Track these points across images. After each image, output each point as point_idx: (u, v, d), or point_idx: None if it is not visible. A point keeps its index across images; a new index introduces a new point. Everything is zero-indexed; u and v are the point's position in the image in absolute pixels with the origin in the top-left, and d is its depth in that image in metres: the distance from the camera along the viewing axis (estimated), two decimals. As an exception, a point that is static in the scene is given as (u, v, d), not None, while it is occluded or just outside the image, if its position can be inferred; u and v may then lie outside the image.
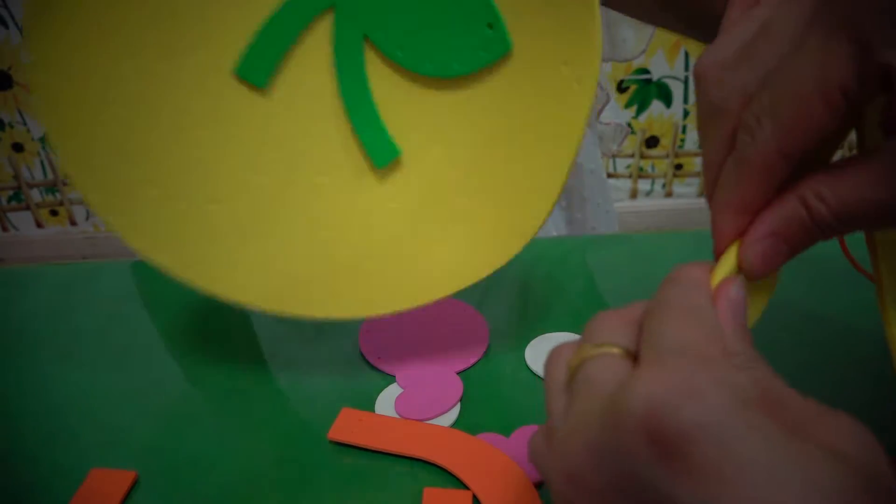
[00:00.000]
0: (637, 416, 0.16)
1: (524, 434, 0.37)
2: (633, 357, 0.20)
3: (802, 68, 0.19)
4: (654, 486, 0.16)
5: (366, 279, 0.36)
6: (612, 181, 1.81)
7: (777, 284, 0.24)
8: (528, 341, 0.44)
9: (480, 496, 0.33)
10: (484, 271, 0.36)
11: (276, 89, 0.33)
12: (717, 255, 0.23)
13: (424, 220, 0.36)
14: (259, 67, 0.33)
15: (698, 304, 0.20)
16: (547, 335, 0.44)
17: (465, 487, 0.34)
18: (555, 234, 0.68)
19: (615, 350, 0.20)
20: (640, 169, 1.79)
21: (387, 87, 0.33)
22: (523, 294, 0.50)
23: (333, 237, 0.36)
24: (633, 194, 1.83)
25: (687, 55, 1.73)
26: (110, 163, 0.34)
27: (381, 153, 0.33)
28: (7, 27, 1.62)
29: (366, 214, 0.35)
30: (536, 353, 0.43)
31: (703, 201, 0.26)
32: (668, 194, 1.81)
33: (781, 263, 0.22)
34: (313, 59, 0.33)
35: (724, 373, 0.17)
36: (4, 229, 1.91)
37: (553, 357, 0.23)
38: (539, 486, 0.34)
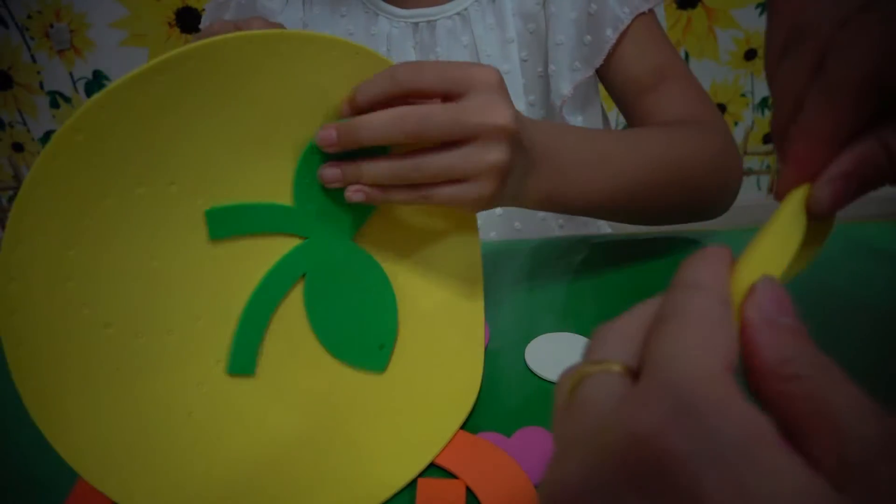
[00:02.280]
0: (620, 440, 0.15)
1: (525, 435, 0.37)
2: (634, 373, 0.18)
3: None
4: None
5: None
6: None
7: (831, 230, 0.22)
8: (528, 341, 0.44)
9: (479, 493, 0.33)
10: None
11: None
12: (789, 187, 0.22)
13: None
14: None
15: (704, 309, 0.18)
16: (547, 335, 0.44)
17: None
18: (558, 233, 0.68)
19: (615, 367, 0.18)
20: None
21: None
22: (523, 294, 0.50)
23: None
24: (633, 194, 1.84)
25: (687, 55, 1.73)
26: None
27: (240, 360, 0.35)
28: (7, 27, 1.62)
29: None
30: (536, 353, 0.43)
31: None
32: (669, 194, 1.82)
33: (848, 204, 0.21)
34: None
35: (720, 392, 0.15)
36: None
37: (561, 377, 0.21)
38: (538, 486, 0.34)
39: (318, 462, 0.35)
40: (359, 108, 0.35)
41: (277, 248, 0.36)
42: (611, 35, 0.57)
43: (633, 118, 0.59)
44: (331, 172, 0.36)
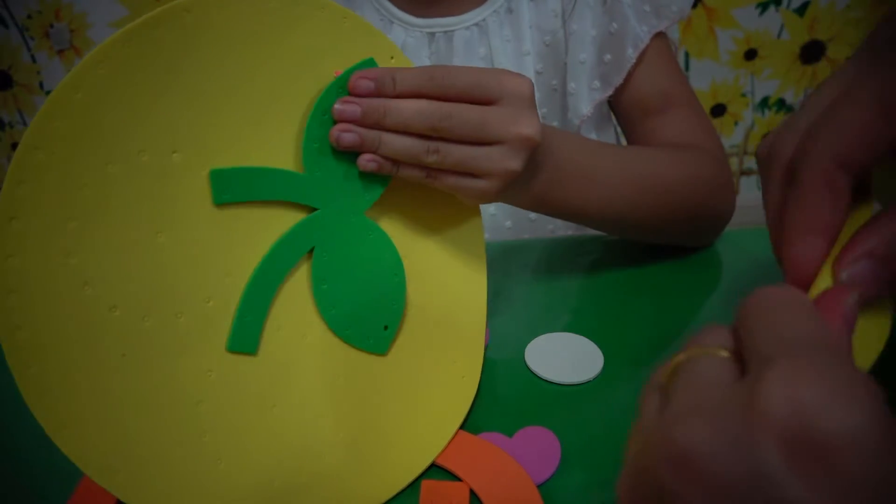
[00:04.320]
0: (778, 416, 0.15)
1: (526, 435, 0.37)
2: (741, 362, 0.19)
3: (857, 93, 0.20)
4: (781, 489, 0.15)
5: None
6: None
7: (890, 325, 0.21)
8: (528, 341, 0.44)
9: (482, 496, 0.33)
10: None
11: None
12: (795, 283, 0.22)
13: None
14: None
15: (803, 300, 0.19)
16: (547, 335, 0.44)
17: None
18: (549, 233, 0.68)
19: (723, 352, 0.19)
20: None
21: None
22: (523, 294, 0.50)
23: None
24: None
25: (687, 55, 1.73)
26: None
27: (241, 337, 0.34)
28: (7, 27, 1.62)
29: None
30: (536, 353, 0.43)
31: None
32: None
33: (880, 288, 0.21)
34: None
35: (863, 375, 0.16)
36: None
37: (660, 368, 0.21)
38: (540, 486, 0.34)
39: (322, 457, 0.35)
40: (386, 94, 0.35)
41: (286, 219, 0.35)
42: (632, 54, 0.57)
43: (636, 139, 0.60)
44: (349, 137, 0.35)
